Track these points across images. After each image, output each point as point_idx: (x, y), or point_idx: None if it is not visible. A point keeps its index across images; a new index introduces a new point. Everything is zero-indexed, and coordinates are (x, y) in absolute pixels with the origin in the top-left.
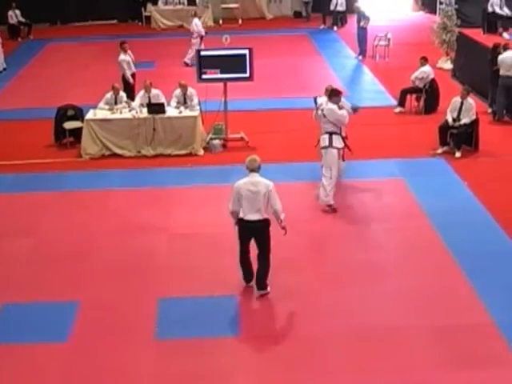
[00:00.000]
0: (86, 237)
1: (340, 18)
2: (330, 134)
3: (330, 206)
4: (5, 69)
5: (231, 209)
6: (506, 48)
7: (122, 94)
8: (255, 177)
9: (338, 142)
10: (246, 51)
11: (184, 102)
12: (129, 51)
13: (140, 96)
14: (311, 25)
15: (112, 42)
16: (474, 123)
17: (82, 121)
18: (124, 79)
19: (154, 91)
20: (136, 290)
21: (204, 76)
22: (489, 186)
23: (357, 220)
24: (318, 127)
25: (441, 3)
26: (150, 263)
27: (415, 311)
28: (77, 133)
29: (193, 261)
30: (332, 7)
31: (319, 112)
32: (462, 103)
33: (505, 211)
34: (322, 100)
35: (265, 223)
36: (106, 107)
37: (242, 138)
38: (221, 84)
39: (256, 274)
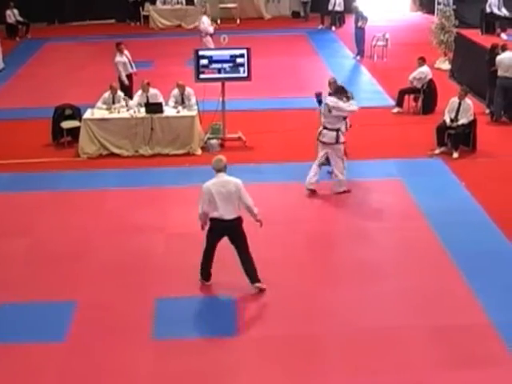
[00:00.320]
0: (84, 236)
1: (338, 18)
2: (337, 130)
3: (345, 191)
4: (3, 68)
5: (203, 210)
6: (504, 49)
7: (120, 94)
8: (223, 176)
9: (342, 137)
10: (244, 51)
11: (182, 101)
12: (125, 52)
13: (138, 95)
14: (309, 25)
15: (110, 41)
16: (472, 124)
17: (80, 120)
18: (120, 80)
19: (152, 91)
20: (133, 289)
21: (202, 76)
22: (486, 187)
23: (355, 220)
24: (321, 122)
25: (439, 4)
26: (147, 263)
27: (413, 311)
28: (74, 132)
29: (190, 260)
30: (330, 7)
31: (324, 108)
32: (459, 104)
33: (502, 211)
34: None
35: (239, 220)
36: (104, 107)
37: (239, 138)
38: (218, 84)
39: (248, 270)
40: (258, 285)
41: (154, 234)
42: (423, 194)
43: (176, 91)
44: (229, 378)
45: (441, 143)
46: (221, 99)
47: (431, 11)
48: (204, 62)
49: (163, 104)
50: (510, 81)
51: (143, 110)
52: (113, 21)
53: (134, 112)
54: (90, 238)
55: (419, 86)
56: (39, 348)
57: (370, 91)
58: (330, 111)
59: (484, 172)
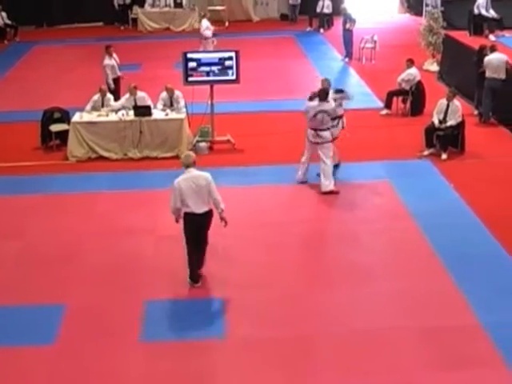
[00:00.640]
0: (74, 239)
1: (326, 21)
2: (328, 129)
3: (332, 191)
4: None
5: (175, 206)
6: (492, 50)
7: (109, 97)
8: (193, 172)
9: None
10: (233, 54)
11: (170, 104)
12: (114, 55)
13: (126, 99)
14: (297, 27)
15: (98, 44)
16: (460, 125)
17: (69, 123)
18: (107, 83)
19: (140, 94)
20: (123, 292)
21: (190, 78)
22: (475, 188)
23: (344, 222)
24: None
25: (427, 5)
26: (137, 265)
27: (403, 313)
28: (63, 135)
29: (179, 263)
30: (318, 9)
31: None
32: (448, 105)
33: (491, 213)
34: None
35: (210, 213)
36: (94, 113)
37: (228, 141)
38: (207, 86)
39: (196, 261)
40: (191, 282)
41: (144, 237)
42: (412, 195)
43: (164, 94)
44: (219, 380)
45: (429, 145)
46: (209, 102)
47: (419, 13)
48: (192, 64)
49: (152, 107)
50: (498, 82)
51: (132, 113)
52: (101, 23)
53: (123, 115)
54: (80, 241)
55: (407, 87)
56: (29, 351)
57: (359, 93)
58: (328, 115)
59: (472, 173)
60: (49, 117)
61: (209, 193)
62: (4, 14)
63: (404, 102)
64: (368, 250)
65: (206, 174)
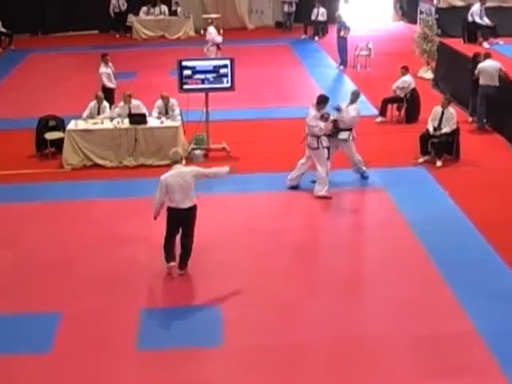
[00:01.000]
0: (69, 247)
1: (321, 28)
2: (318, 137)
3: (325, 197)
4: None
5: (160, 200)
6: (486, 57)
7: (106, 104)
8: (180, 168)
9: (325, 142)
10: (228, 61)
11: (166, 112)
12: (110, 63)
13: (120, 107)
14: (292, 35)
15: (93, 52)
16: (455, 132)
17: (64, 131)
18: (104, 88)
19: (135, 102)
20: (118, 300)
21: (185, 86)
22: (470, 195)
23: (339, 229)
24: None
25: (421, 13)
26: (133, 273)
27: (397, 320)
28: (58, 143)
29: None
30: (313, 17)
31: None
32: (442, 112)
33: (486, 220)
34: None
35: (194, 208)
36: (85, 116)
37: (223, 148)
38: (202, 94)
39: (182, 255)
40: (182, 272)
41: (140, 244)
42: (407, 202)
43: (160, 102)
44: None
45: (424, 152)
46: (204, 110)
47: (414, 21)
48: (187, 72)
49: (147, 115)
50: (493, 89)
51: (127, 120)
52: (96, 31)
53: (118, 123)
54: (76, 249)
55: (402, 95)
56: (24, 359)
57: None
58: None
59: (467, 180)
60: (44, 125)
61: (205, 177)
62: None
63: (399, 109)
64: (362, 257)
65: (192, 168)
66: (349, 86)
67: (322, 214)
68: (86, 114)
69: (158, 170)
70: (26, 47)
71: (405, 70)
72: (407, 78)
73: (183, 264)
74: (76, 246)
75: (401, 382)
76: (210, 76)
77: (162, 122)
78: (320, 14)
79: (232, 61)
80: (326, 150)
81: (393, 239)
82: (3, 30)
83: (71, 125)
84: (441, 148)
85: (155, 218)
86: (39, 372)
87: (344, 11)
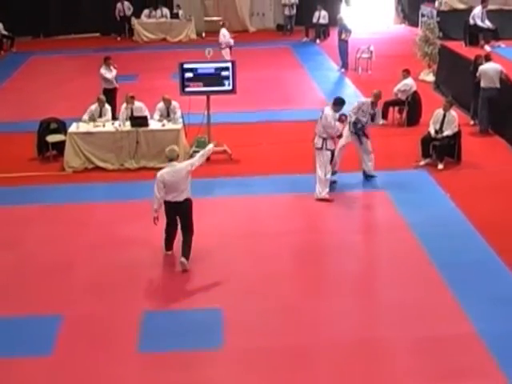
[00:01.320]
0: (70, 250)
1: (323, 31)
2: (324, 138)
3: (325, 199)
4: None
5: (159, 195)
6: (487, 59)
7: (107, 107)
8: (176, 165)
9: (329, 144)
10: (229, 64)
11: (167, 115)
12: (112, 67)
13: (123, 108)
14: (294, 38)
15: (95, 55)
16: (457, 135)
17: (65, 134)
18: (106, 90)
19: (137, 104)
20: (120, 302)
21: (187, 89)
22: (471, 198)
23: (340, 232)
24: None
25: (423, 16)
26: (134, 276)
27: (398, 322)
28: (60, 146)
29: (177, 273)
30: (315, 20)
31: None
32: (444, 115)
33: (487, 223)
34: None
35: (189, 202)
36: (87, 118)
37: (225, 151)
38: (204, 97)
39: (183, 245)
40: (183, 260)
41: (141, 247)
42: (408, 205)
43: (161, 105)
44: None
45: (426, 155)
46: (206, 112)
47: (415, 23)
48: (189, 75)
49: (148, 117)
50: (494, 91)
51: (128, 123)
52: (98, 34)
53: (119, 125)
54: (77, 252)
55: (404, 98)
56: (26, 362)
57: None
58: (321, 118)
59: (469, 183)
60: (45, 127)
61: (199, 164)
62: (0, 25)
63: (400, 112)
64: (364, 259)
65: (185, 164)
66: (350, 88)
67: (324, 216)
68: (86, 116)
69: None
70: (27, 50)
71: (406, 72)
72: (409, 81)
73: (187, 252)
74: (77, 248)
75: None
76: (211, 79)
77: (163, 125)
78: (321, 16)
79: (233, 63)
80: (329, 153)
81: (394, 241)
82: (5, 32)
83: (73, 127)
84: (442, 151)
85: (155, 221)
86: (41, 374)
87: (345, 14)
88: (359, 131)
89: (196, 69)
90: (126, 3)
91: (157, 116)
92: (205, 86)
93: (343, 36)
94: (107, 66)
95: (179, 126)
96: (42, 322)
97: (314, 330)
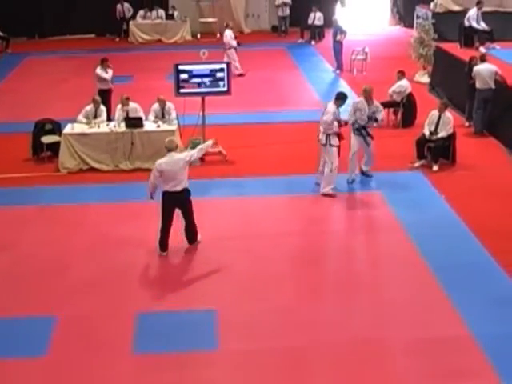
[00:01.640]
0: (65, 251)
1: (318, 33)
2: (328, 135)
3: (329, 194)
4: None
5: (153, 183)
6: (482, 59)
7: (103, 108)
8: (174, 156)
9: (334, 141)
10: (224, 65)
11: (162, 116)
12: (108, 69)
13: (118, 110)
14: (289, 39)
15: (90, 56)
16: (452, 137)
17: (60, 135)
18: (100, 91)
19: (132, 105)
20: (114, 304)
21: (182, 90)
22: (466, 199)
23: (335, 233)
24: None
25: (418, 17)
26: (129, 277)
27: (393, 324)
28: (54, 147)
29: (171, 275)
30: (310, 21)
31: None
32: (439, 117)
33: (482, 224)
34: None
35: (187, 192)
36: (85, 120)
37: (220, 152)
38: (199, 98)
39: (188, 232)
40: (195, 244)
41: (136, 248)
42: (403, 206)
43: (156, 105)
44: None
45: (420, 156)
46: (201, 113)
47: (410, 25)
48: (184, 76)
49: (143, 118)
50: (489, 92)
51: (123, 124)
52: (93, 35)
53: (114, 126)
54: (72, 253)
55: (399, 99)
56: (20, 363)
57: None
58: (323, 114)
59: (463, 184)
60: (40, 128)
61: (198, 156)
62: None
63: (395, 113)
64: (358, 260)
65: (184, 154)
66: (345, 90)
67: (319, 217)
68: (81, 116)
69: None
70: (22, 51)
71: (401, 74)
72: (404, 83)
73: (192, 241)
74: (72, 249)
75: None
76: (206, 80)
77: (158, 126)
78: (317, 18)
79: (228, 65)
80: (334, 149)
81: (389, 243)
82: (0, 33)
83: (67, 128)
84: (437, 152)
85: (151, 197)
86: (35, 375)
87: (341, 15)
88: (362, 131)
89: (191, 70)
90: (126, 5)
91: (152, 117)
92: (200, 87)
93: (338, 37)
94: (103, 67)
95: (174, 127)
96: (36, 322)
97: (309, 332)
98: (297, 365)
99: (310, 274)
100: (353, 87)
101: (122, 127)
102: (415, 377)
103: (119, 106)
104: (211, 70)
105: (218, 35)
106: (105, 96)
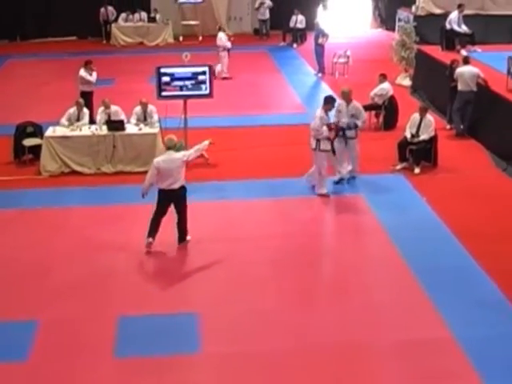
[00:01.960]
0: (46, 255)
1: (300, 36)
2: (318, 140)
3: (323, 195)
4: None
5: (150, 180)
6: (466, 62)
7: (86, 111)
8: (172, 154)
9: (323, 145)
10: (206, 68)
11: (144, 119)
12: (92, 72)
13: (99, 112)
14: (271, 42)
15: (72, 58)
16: (433, 139)
17: (42, 138)
18: (82, 93)
19: (114, 108)
20: (96, 307)
21: (164, 93)
22: (447, 202)
23: (316, 236)
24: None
25: (399, 20)
26: (110, 281)
27: (375, 326)
28: (36, 150)
29: (153, 278)
30: (292, 24)
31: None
32: (420, 120)
33: (463, 226)
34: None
35: (183, 190)
36: (66, 123)
37: (202, 156)
38: (181, 101)
39: (180, 229)
40: (184, 243)
41: (117, 252)
42: (385, 209)
43: (138, 109)
44: None
45: (402, 159)
46: (183, 116)
47: (392, 28)
48: (166, 79)
49: (125, 121)
50: (471, 94)
51: (105, 127)
52: (74, 38)
53: (96, 129)
54: (53, 256)
55: (380, 102)
56: (1, 367)
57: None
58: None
59: (445, 187)
60: (22, 131)
61: (195, 156)
62: None
63: (377, 116)
64: (340, 263)
65: (182, 153)
66: (327, 93)
67: (301, 220)
68: (64, 119)
69: (137, 176)
70: (4, 53)
71: (383, 77)
72: (385, 86)
73: (183, 236)
74: (54, 252)
75: None
76: (188, 83)
77: (140, 129)
78: (299, 21)
79: (210, 67)
80: (323, 154)
81: (371, 245)
82: None
83: (49, 131)
84: (419, 155)
85: (143, 196)
86: (16, 380)
87: (323, 18)
88: (342, 132)
89: (173, 73)
90: (110, 8)
91: (133, 120)
92: (181, 90)
93: (320, 40)
94: (87, 69)
95: (156, 130)
96: (17, 327)
97: (291, 335)
98: (280, 368)
99: (292, 277)
100: (335, 90)
101: (104, 130)
102: (397, 379)
103: (101, 109)
104: (193, 73)
105: (201, 38)
106: (87, 98)
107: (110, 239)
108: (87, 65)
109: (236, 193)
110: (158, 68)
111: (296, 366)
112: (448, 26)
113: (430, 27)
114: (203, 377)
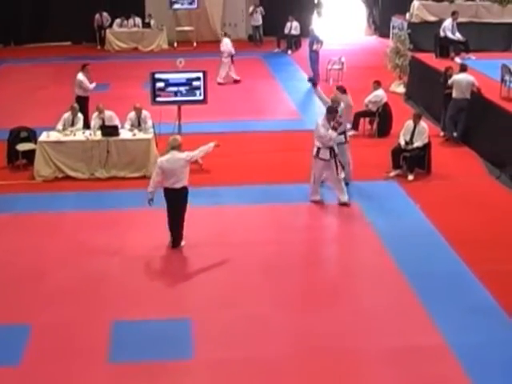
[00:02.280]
0: (40, 260)
1: (294, 42)
2: (319, 148)
3: (317, 201)
4: None
5: (156, 181)
6: (462, 69)
7: (80, 116)
8: (175, 154)
9: (323, 155)
10: (201, 74)
11: (138, 124)
12: (91, 80)
13: (94, 118)
14: (265, 48)
15: (66, 63)
16: (427, 146)
17: (35, 143)
18: (78, 99)
19: (108, 113)
20: (90, 312)
21: (158, 99)
22: (441, 209)
23: (310, 243)
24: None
25: (394, 28)
26: (104, 286)
27: (368, 333)
28: (30, 155)
29: (147, 283)
30: (286, 31)
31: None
32: (414, 127)
33: (457, 233)
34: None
35: (185, 190)
36: (61, 128)
37: (196, 161)
38: (175, 107)
39: (174, 233)
40: (177, 246)
41: (111, 257)
42: (378, 216)
43: (133, 114)
44: None
45: (396, 166)
46: (177, 122)
47: (386, 35)
48: (160, 85)
49: (119, 127)
50: (465, 102)
51: (99, 132)
52: (69, 43)
53: (90, 135)
54: (47, 261)
55: (374, 109)
56: None
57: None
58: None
59: (439, 194)
60: (15, 136)
61: (198, 157)
62: None
63: (371, 123)
64: (334, 269)
65: (186, 154)
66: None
67: (294, 226)
68: (60, 125)
69: (131, 182)
70: None
71: (377, 84)
72: (379, 93)
73: (176, 244)
74: (47, 258)
75: None
76: (182, 89)
77: (134, 135)
78: (293, 27)
79: (205, 73)
80: (321, 162)
81: (364, 252)
82: None
83: (43, 136)
84: (412, 162)
85: (149, 203)
86: None
87: (317, 25)
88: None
89: (167, 79)
90: (105, 14)
91: (128, 125)
92: (176, 95)
93: (315, 47)
94: (85, 72)
95: (150, 135)
96: (10, 331)
97: (284, 341)
98: (273, 374)
99: (285, 283)
100: (329, 97)
101: (98, 135)
102: None
103: (95, 114)
104: (187, 79)
105: (195, 44)
106: (83, 103)
107: (104, 244)
108: (84, 68)
109: (230, 199)
110: (153, 74)
111: (290, 371)
112: (442, 34)
113: (424, 34)
114: (197, 382)
